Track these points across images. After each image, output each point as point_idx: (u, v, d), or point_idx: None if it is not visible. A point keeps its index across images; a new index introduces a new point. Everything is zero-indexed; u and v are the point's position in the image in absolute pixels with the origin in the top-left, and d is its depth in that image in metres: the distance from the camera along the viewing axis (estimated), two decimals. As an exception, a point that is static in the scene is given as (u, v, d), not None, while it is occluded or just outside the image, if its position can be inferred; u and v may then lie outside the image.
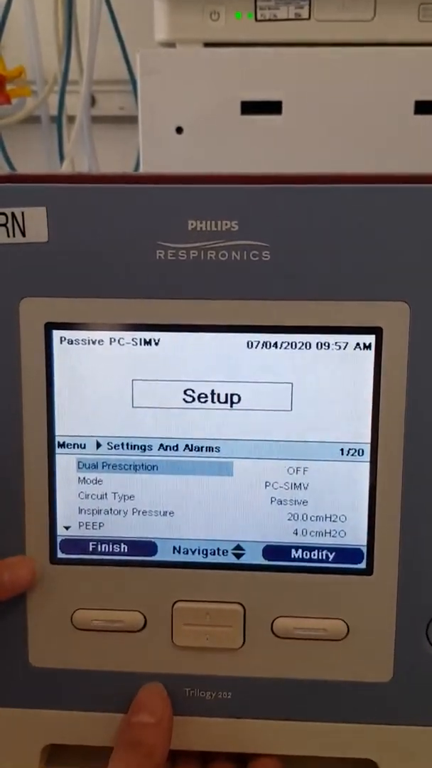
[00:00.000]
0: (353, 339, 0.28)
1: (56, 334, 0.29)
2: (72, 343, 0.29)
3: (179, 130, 0.56)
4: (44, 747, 0.32)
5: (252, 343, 0.29)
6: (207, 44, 0.55)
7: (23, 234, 0.28)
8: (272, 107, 0.55)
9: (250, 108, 0.55)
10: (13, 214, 0.28)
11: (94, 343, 0.29)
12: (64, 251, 0.28)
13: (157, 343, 0.29)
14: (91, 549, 0.31)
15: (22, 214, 0.28)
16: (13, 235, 0.28)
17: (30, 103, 0.79)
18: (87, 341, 0.29)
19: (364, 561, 0.30)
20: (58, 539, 0.31)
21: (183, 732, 0.31)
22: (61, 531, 0.31)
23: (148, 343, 0.29)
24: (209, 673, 0.31)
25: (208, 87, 0.55)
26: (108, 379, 0.29)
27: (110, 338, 0.29)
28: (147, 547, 0.30)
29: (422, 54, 0.53)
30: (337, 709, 0.31)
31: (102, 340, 0.29)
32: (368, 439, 0.29)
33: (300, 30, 0.54)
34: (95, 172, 0.78)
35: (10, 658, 0.31)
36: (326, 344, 0.29)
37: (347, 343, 0.29)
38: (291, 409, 0.29)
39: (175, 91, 0.56)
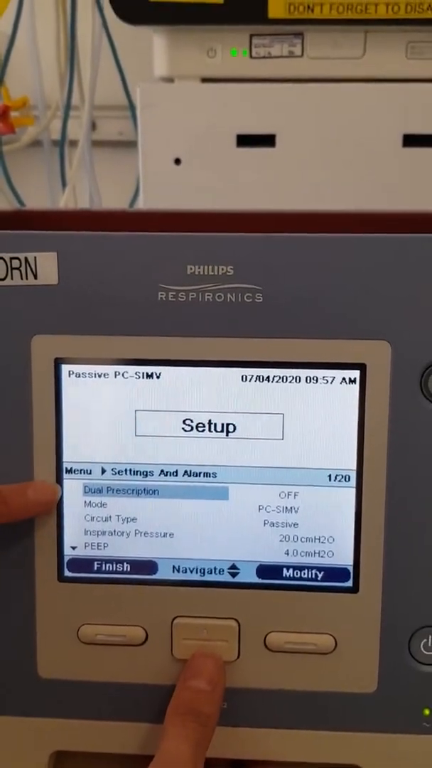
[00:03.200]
0: (339, 374, 0.31)
1: (65, 368, 0.31)
2: (79, 377, 0.32)
3: (177, 161, 0.59)
4: (51, 754, 0.34)
5: (246, 377, 0.31)
6: (204, 80, 0.58)
7: (35, 276, 0.31)
8: (266, 140, 0.58)
9: (245, 141, 0.58)
10: (26, 259, 0.31)
11: (99, 376, 0.31)
12: (73, 292, 0.31)
13: (158, 377, 0.31)
14: (96, 568, 0.33)
15: (35, 258, 0.31)
16: (26, 278, 0.31)
17: (32, 129, 0.82)
18: (93, 375, 0.32)
19: (351, 579, 0.32)
20: (66, 558, 0.33)
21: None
22: (68, 551, 0.33)
23: (150, 376, 0.31)
24: (206, 684, 0.33)
25: (205, 120, 0.57)
26: (112, 410, 0.32)
27: (115, 372, 0.31)
28: (148, 566, 0.32)
29: (410, 90, 0.56)
30: (326, 718, 0.33)
31: (107, 374, 0.31)
32: (354, 466, 0.31)
33: (293, 67, 0.56)
34: (98, 204, 0.81)
35: (19, 669, 0.33)
36: (314, 378, 0.31)
37: (334, 377, 0.31)
38: (282, 438, 0.31)
39: (174, 123, 0.58)
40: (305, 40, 0.56)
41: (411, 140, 0.57)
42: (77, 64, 0.79)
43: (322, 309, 0.30)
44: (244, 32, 0.56)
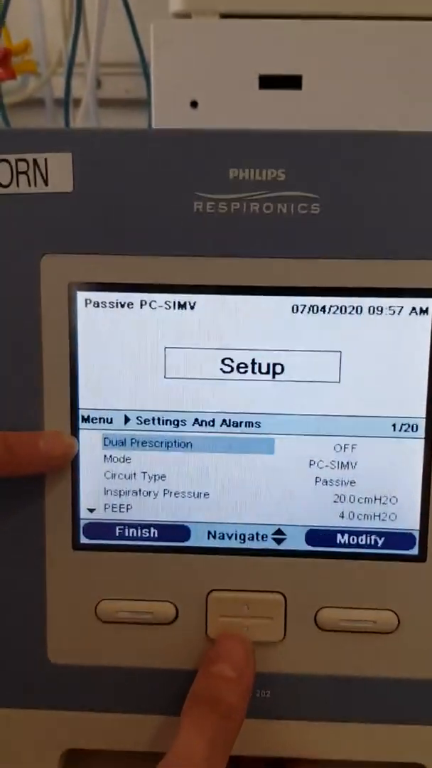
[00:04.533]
0: (409, 303, 0.26)
1: (81, 295, 0.27)
2: (98, 306, 0.27)
3: (194, 104, 0.54)
4: (63, 752, 0.29)
5: (297, 307, 0.26)
6: (224, 15, 0.53)
7: (46, 183, 0.26)
8: (291, 82, 0.53)
9: (268, 82, 0.53)
10: (35, 161, 0.26)
11: (122, 306, 0.27)
12: (90, 203, 0.26)
13: (192, 307, 0.27)
14: (117, 534, 0.28)
15: (45, 160, 0.26)
16: (35, 185, 0.26)
17: (33, 84, 0.77)
18: (115, 304, 0.27)
19: (417, 547, 0.27)
20: (82, 523, 0.28)
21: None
22: (84, 514, 0.28)
23: (182, 306, 0.26)
24: (247, 669, 0.28)
25: (225, 60, 0.53)
26: (138, 347, 0.27)
27: (141, 301, 0.27)
28: (179, 531, 0.28)
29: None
30: (386, 708, 0.28)
31: (131, 303, 0.27)
32: (423, 414, 0.27)
33: (322, 2, 0.52)
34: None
35: (27, 654, 0.28)
36: (379, 308, 0.26)
37: (402, 307, 0.26)
38: (339, 381, 0.27)
39: (190, 63, 0.53)
40: (335, -28, 0.51)
41: (449, 81, 0.52)
42: (84, 16, 0.74)
43: (390, 223, 0.25)
44: (268, -39, 0.51)
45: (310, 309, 0.26)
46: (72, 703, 0.29)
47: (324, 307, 0.26)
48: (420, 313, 0.26)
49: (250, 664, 0.27)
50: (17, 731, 0.29)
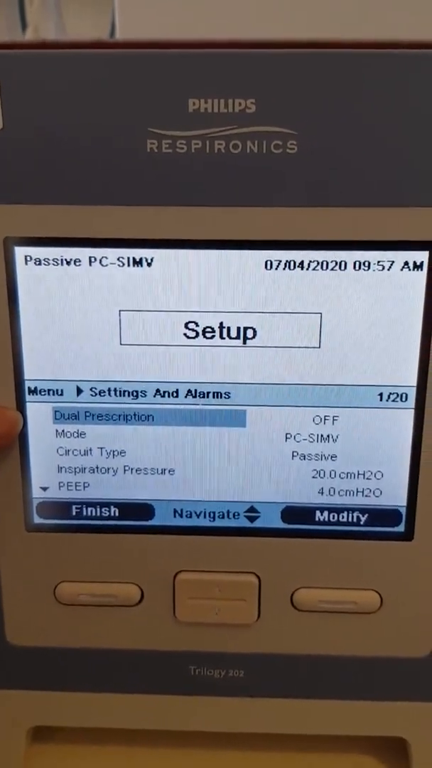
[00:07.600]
0: (401, 257, 0.22)
1: (19, 252, 0.23)
2: (40, 264, 0.23)
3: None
4: (28, 730, 0.28)
5: (271, 262, 0.23)
6: None
7: (-32, 118, 0.21)
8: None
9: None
10: None
11: (69, 263, 0.23)
12: (24, 142, 0.22)
13: (149, 264, 0.23)
14: (74, 513, 0.25)
15: (-34, 90, 0.21)
16: None
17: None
18: (60, 261, 0.23)
19: (403, 524, 0.25)
20: (34, 502, 0.25)
21: (188, 712, 0.27)
22: (37, 493, 0.25)
23: (138, 263, 0.23)
24: (218, 650, 0.26)
25: None
26: (89, 310, 0.23)
27: (90, 257, 0.23)
28: (142, 510, 0.25)
29: None
30: (365, 686, 0.27)
31: (79, 260, 0.23)
32: (414, 382, 0.24)
33: None
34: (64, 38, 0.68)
35: (-16, 636, 0.27)
36: (366, 264, 0.22)
37: (393, 262, 0.22)
38: (319, 346, 0.23)
39: None
40: None
41: None
42: None
43: (382, 164, 0.21)
44: None
45: (285, 265, 0.23)
46: (34, 683, 0.27)
47: (302, 263, 0.23)
48: (413, 269, 0.22)
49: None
50: (-21, 711, 0.28)
